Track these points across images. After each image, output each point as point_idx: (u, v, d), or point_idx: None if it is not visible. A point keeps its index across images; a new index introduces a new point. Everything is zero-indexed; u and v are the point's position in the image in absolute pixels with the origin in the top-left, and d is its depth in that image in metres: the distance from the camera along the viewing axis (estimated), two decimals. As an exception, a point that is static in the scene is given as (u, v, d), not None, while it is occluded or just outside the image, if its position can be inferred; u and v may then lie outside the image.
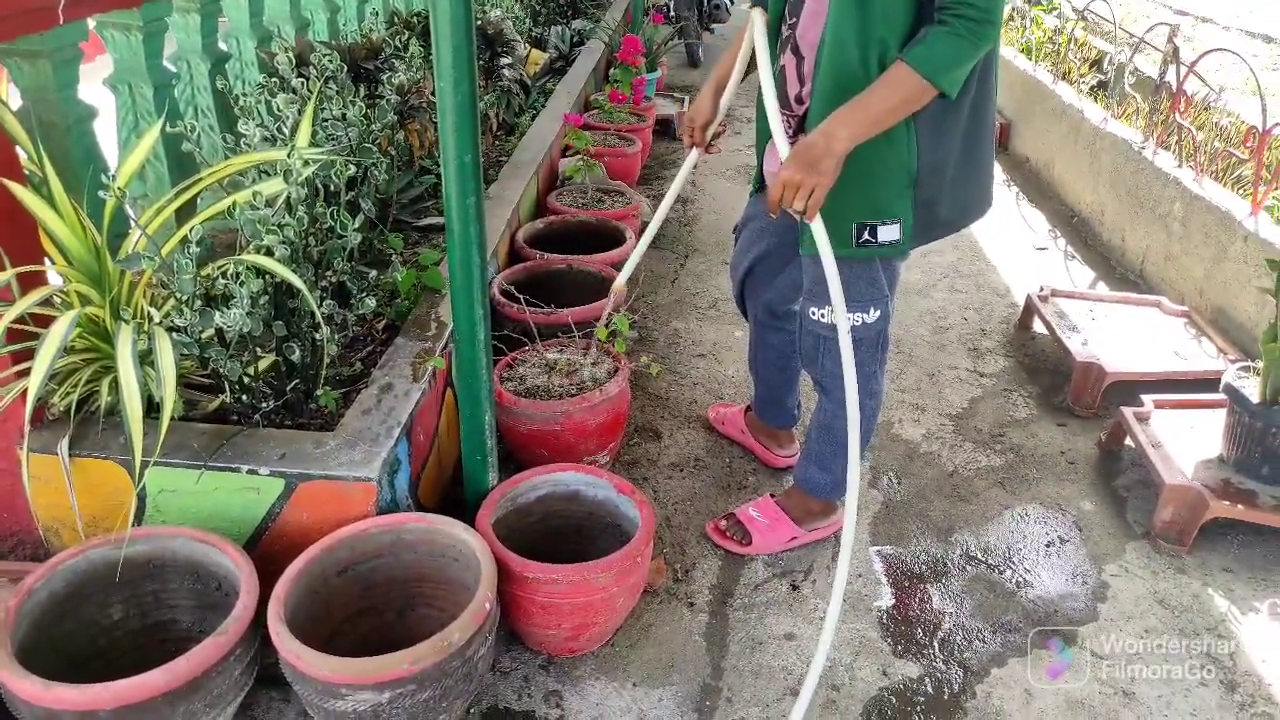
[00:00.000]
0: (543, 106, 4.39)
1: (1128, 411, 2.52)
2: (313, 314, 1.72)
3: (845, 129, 1.60)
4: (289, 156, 1.73)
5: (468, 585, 1.82)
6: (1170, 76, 3.75)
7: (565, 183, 3.71)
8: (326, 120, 2.18)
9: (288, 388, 1.98)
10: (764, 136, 2.01)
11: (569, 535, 2.10)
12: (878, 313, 1.89)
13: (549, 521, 2.08)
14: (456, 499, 2.35)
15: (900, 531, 2.31)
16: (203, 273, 1.81)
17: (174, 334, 1.77)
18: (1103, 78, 4.82)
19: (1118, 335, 2.96)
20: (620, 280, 2.36)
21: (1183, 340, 2.96)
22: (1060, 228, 4.26)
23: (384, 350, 2.33)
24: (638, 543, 1.82)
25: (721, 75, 2.06)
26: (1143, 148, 3.73)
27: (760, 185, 2.12)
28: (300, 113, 1.95)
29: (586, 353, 2.46)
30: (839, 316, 1.69)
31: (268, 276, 1.80)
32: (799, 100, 1.82)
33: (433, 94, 3.15)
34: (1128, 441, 2.59)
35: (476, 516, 1.87)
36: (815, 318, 1.92)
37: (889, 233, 1.78)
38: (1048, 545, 2.27)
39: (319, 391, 2.05)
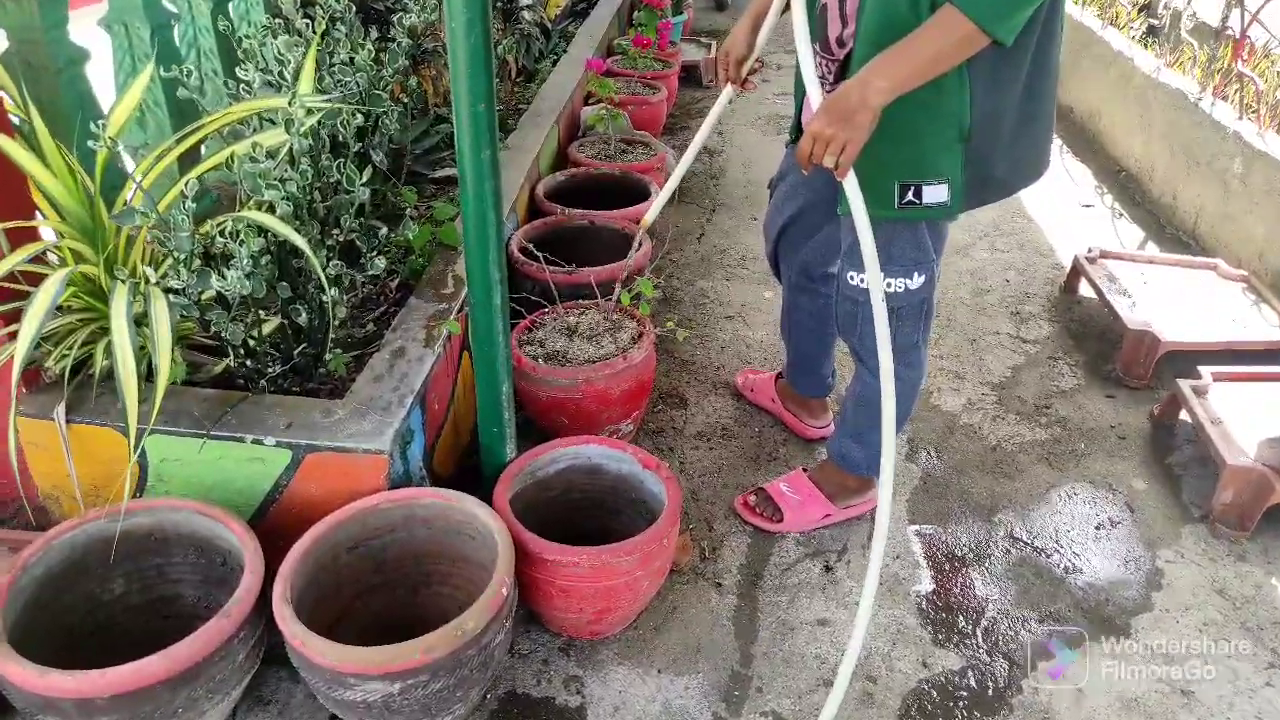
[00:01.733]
0: (563, 52, 4.21)
1: (1184, 384, 2.37)
2: (319, 275, 1.60)
3: (884, 78, 1.44)
4: (290, 104, 1.59)
5: (484, 564, 1.72)
6: (1233, 22, 3.51)
7: (587, 133, 3.54)
8: (334, 65, 2.04)
9: (295, 352, 1.87)
10: (803, 82, 1.85)
11: (591, 510, 1.99)
12: (922, 278, 1.75)
13: (570, 495, 1.98)
14: (474, 468, 2.25)
15: (940, 510, 2.18)
16: (202, 230, 1.69)
17: (172, 295, 1.65)
18: (1154, 23, 4.56)
19: (1172, 301, 2.79)
20: (649, 217, 2.22)
21: (1242, 307, 2.79)
22: (1107, 184, 4.05)
23: (397, 311, 2.21)
24: (664, 523, 1.71)
25: (759, 7, 1.90)
26: (1199, 99, 3.51)
27: (797, 136, 1.96)
28: (304, 56, 1.80)
29: (610, 315, 2.33)
30: (872, 282, 1.55)
31: (270, 235, 1.68)
32: (840, 43, 1.65)
33: (449, 37, 2.99)
34: (1182, 416, 2.44)
35: (494, 492, 1.76)
36: (854, 283, 1.78)
37: (935, 193, 1.62)
38: (1097, 527, 2.14)
39: (328, 355, 1.94)
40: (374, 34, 2.26)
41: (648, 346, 2.21)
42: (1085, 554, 2.07)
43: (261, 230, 1.65)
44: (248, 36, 2.05)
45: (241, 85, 1.80)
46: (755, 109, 4.79)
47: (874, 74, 1.44)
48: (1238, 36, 3.37)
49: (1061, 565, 2.03)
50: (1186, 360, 2.55)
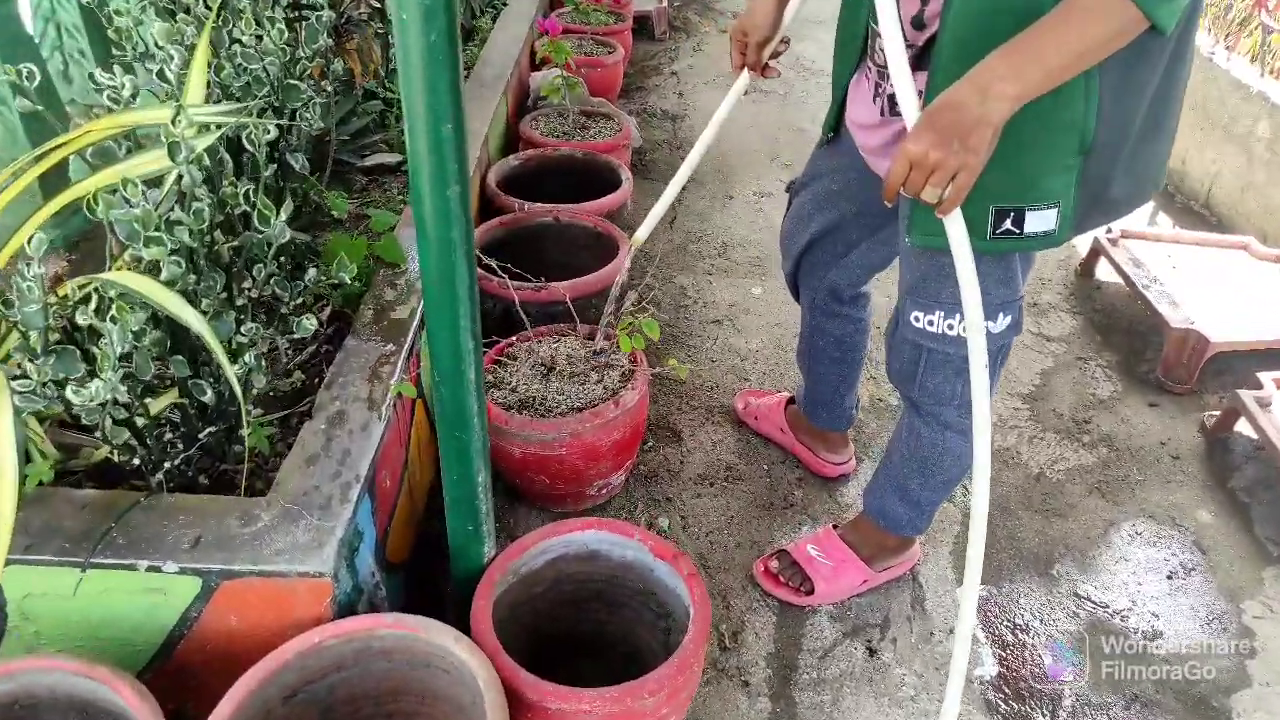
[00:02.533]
0: (503, 4, 3.71)
1: (1247, 396, 2.08)
2: (222, 363, 1.17)
3: (1012, 81, 1.06)
4: (174, 122, 1.14)
5: (461, 706, 1.35)
6: (1247, -34, 3.19)
7: (539, 103, 3.09)
8: (234, 49, 1.57)
9: (200, 434, 1.44)
10: (845, 67, 1.46)
11: (586, 603, 1.63)
12: (1007, 320, 1.39)
13: (560, 587, 1.60)
14: (434, 539, 1.86)
15: (990, 563, 1.87)
16: (60, 292, 1.24)
17: (19, 381, 1.21)
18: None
19: (1208, 290, 2.50)
20: (641, 233, 1.83)
21: (1283, 293, 2.52)
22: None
23: (331, 351, 1.79)
24: (691, 646, 1.35)
25: None
26: (1212, 54, 3.20)
27: (834, 132, 1.58)
28: (191, 50, 1.33)
29: (591, 342, 1.94)
30: (973, 335, 1.20)
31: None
32: (918, 24, 1.26)
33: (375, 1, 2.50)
34: (1238, 427, 2.16)
35: (472, 613, 1.38)
36: (919, 325, 1.42)
37: (1040, 220, 1.26)
38: (1169, 577, 1.85)
39: (244, 431, 1.52)
40: (284, 3, 1.77)
41: (642, 386, 1.83)
42: (1162, 613, 1.78)
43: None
44: (119, 13, 1.56)
45: (108, 87, 1.33)
46: (715, 65, 4.35)
47: (997, 76, 1.06)
48: (1256, -17, 3.06)
49: (1139, 630, 1.74)
50: (1230, 360, 2.26)
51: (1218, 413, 2.20)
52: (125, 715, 1.24)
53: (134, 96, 1.32)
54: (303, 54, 1.70)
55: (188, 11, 1.53)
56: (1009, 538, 1.93)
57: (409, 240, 2.03)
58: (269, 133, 1.29)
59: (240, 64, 1.58)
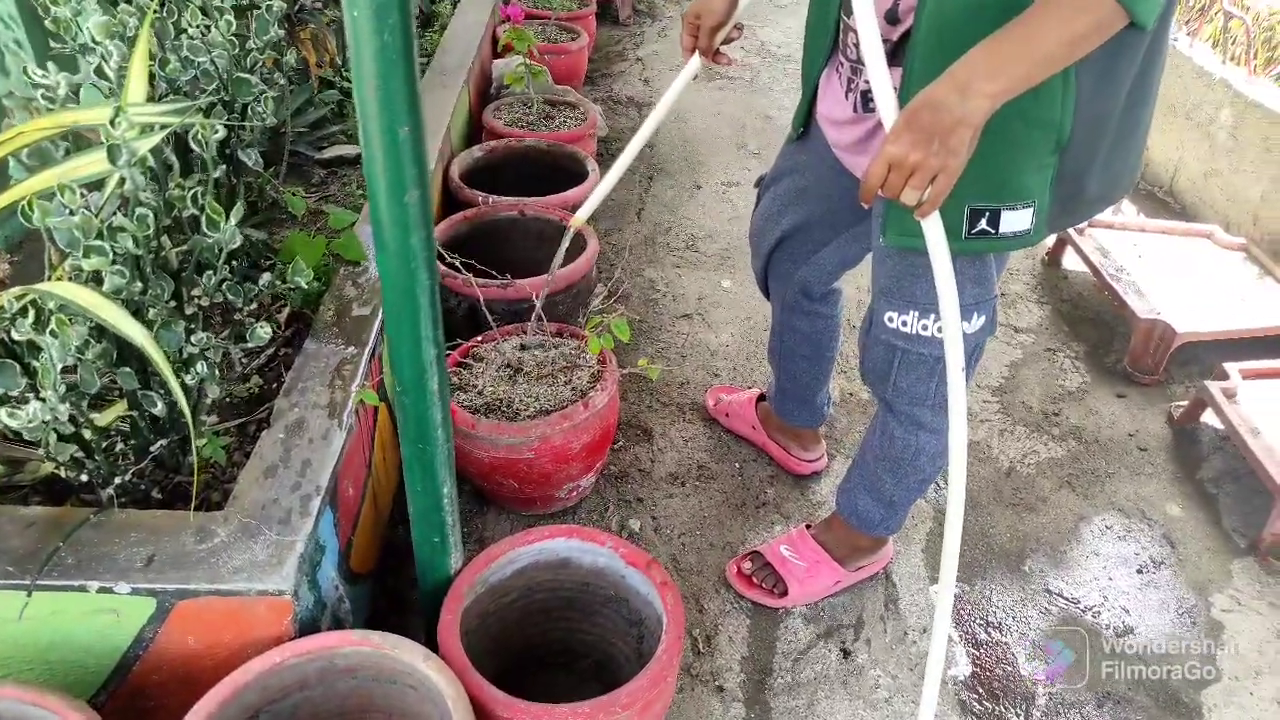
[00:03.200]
0: (466, -12, 3.62)
1: (1213, 387, 2.09)
2: (167, 379, 1.12)
3: (992, 79, 1.03)
4: (113, 123, 1.07)
5: (431, 722, 1.31)
6: (1209, -47, 3.21)
7: (502, 92, 3.02)
8: (180, 43, 1.50)
9: (151, 447, 1.38)
10: (815, 61, 1.43)
11: (559, 612, 1.59)
12: (981, 320, 1.37)
13: (532, 597, 1.57)
14: (397, 546, 1.82)
15: (963, 560, 1.86)
16: (-6, 304, 1.17)
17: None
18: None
19: (1174, 279, 2.51)
20: (581, 215, 1.79)
21: (1247, 281, 2.53)
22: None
23: (290, 354, 1.73)
24: (665, 658, 1.32)
25: None
26: (1174, 40, 3.21)
27: (804, 127, 1.54)
28: (132, 44, 1.26)
29: (559, 339, 1.90)
30: (949, 339, 1.18)
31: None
32: (892, 18, 1.23)
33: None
34: (1204, 419, 2.18)
35: (439, 628, 1.34)
36: (893, 325, 1.39)
37: (1016, 220, 1.23)
38: (1139, 571, 1.86)
39: (199, 442, 1.46)
40: (232, -8, 1.70)
41: (612, 387, 1.79)
42: (1133, 608, 1.78)
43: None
44: (55, 2, 1.48)
45: (41, 85, 1.25)
46: (680, 51, 4.29)
47: (978, 73, 1.02)
48: (1218, -30, 3.07)
49: (1111, 626, 1.74)
50: (1195, 349, 2.28)
51: (1185, 404, 2.21)
52: (76, 744, 1.19)
53: (75, 94, 1.25)
54: (254, 45, 1.63)
55: (130, 1, 1.45)
56: (980, 534, 1.93)
57: (370, 236, 1.97)
58: (217, 131, 1.23)
59: (187, 57, 1.51)
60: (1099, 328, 2.57)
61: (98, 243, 1.06)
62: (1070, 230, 2.72)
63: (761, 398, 2.09)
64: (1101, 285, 2.53)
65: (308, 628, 1.35)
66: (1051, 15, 1.01)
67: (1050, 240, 2.85)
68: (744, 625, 1.72)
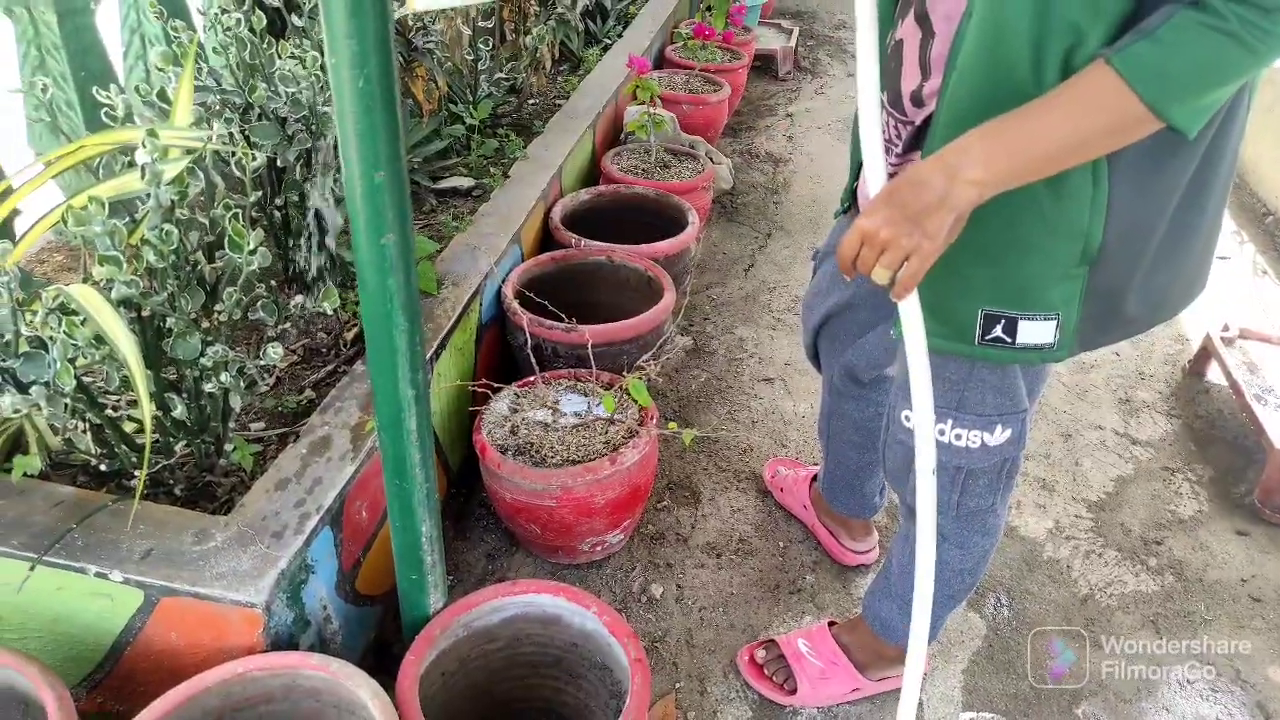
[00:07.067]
0: (618, 37, 3.72)
1: (1349, 540, 1.80)
2: (140, 394, 1.18)
3: (982, 166, 0.93)
4: (145, 144, 1.16)
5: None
6: None
7: (628, 138, 3.06)
8: (273, 72, 1.60)
9: (176, 447, 1.47)
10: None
11: (546, 667, 1.56)
12: (1007, 433, 1.24)
13: (520, 649, 1.54)
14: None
15: (1006, 689, 1.68)
16: (32, 307, 1.27)
17: (-1, 379, 1.26)
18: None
19: (1332, 408, 2.20)
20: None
21: None
22: (1248, 229, 3.39)
23: (348, 372, 1.80)
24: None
25: None
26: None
27: (850, 206, 1.46)
28: (182, 62, 1.36)
29: (610, 392, 1.88)
30: (921, 440, 1.08)
31: (129, 307, 1.27)
32: (917, 101, 1.14)
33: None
34: (1339, 574, 1.88)
35: (400, 667, 1.34)
36: (909, 425, 1.28)
37: (1036, 332, 1.11)
38: (1217, 739, 1.62)
39: (229, 445, 1.54)
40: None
41: (645, 447, 1.75)
42: (1199, 781, 1.55)
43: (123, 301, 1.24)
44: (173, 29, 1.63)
45: (105, 104, 1.37)
46: (835, 109, 4.22)
47: (967, 156, 0.94)
48: None
49: (1165, 797, 1.52)
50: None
51: (1317, 553, 1.92)
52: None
53: (130, 115, 1.36)
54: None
55: (227, 30, 1.57)
56: (1037, 663, 1.74)
57: (462, 266, 2.03)
58: (256, 158, 1.30)
59: (277, 88, 1.61)
60: (1234, 453, 2.28)
61: (112, 253, 1.14)
62: (1216, 338, 2.45)
63: (816, 478, 1.99)
64: (1242, 405, 2.25)
65: (283, 643, 1.38)
66: (1058, 110, 0.90)
67: (1195, 346, 2.57)
68: (745, 718, 1.62)
